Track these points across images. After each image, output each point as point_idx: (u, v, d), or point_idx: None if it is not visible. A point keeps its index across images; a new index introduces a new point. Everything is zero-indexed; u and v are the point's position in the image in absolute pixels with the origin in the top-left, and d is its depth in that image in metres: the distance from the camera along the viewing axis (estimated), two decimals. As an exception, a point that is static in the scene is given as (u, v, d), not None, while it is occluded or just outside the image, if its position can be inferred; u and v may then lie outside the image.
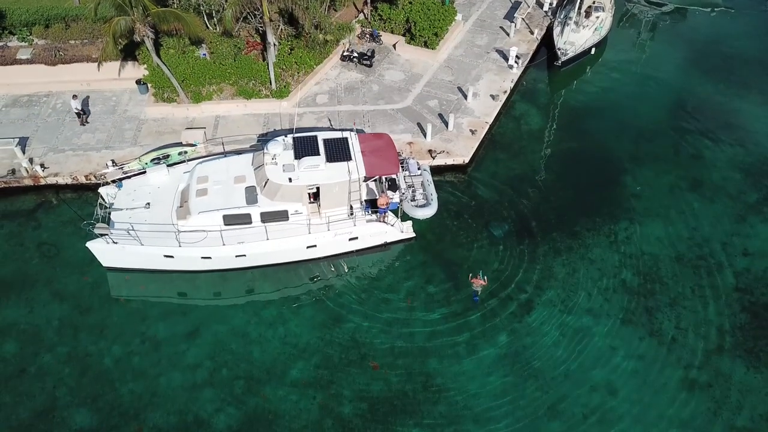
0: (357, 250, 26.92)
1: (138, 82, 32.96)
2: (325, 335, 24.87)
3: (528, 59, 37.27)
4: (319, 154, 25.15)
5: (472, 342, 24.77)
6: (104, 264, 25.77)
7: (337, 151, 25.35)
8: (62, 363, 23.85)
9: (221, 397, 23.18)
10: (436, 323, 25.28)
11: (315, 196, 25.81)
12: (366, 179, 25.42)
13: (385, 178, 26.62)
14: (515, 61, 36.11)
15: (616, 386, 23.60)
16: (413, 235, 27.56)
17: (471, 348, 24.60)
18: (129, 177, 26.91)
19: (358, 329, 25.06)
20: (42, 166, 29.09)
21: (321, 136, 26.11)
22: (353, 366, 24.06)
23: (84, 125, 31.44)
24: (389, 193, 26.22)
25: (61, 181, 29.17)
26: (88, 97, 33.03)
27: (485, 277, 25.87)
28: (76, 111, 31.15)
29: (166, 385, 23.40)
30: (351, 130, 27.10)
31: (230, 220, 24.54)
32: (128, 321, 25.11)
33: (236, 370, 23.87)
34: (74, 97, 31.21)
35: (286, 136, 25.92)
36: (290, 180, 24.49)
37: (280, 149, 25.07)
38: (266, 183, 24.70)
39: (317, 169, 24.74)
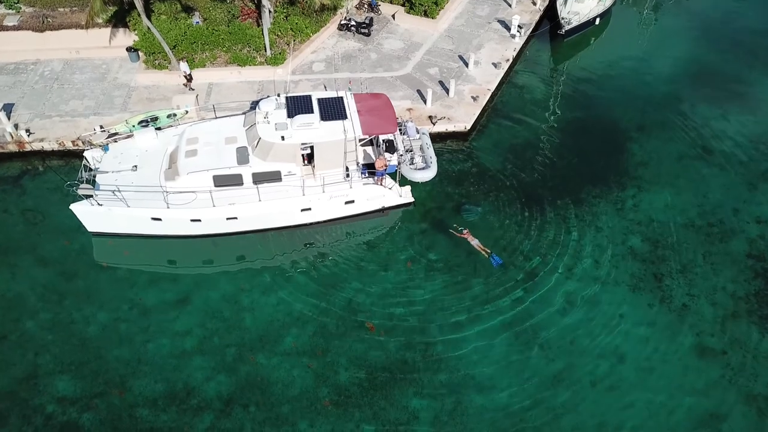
0: (354, 215, 25.85)
1: (129, 49, 31.92)
2: (320, 303, 23.81)
3: (531, 29, 36.21)
4: (312, 113, 24.09)
5: (474, 310, 23.70)
6: (89, 229, 24.72)
7: (332, 110, 24.30)
8: (45, 330, 22.80)
9: (212, 365, 22.14)
10: (437, 291, 24.22)
11: (309, 159, 24.78)
12: (362, 141, 24.37)
13: (383, 140, 25.57)
14: (517, 31, 35.07)
15: (625, 354, 22.56)
16: (412, 200, 26.49)
17: (473, 316, 23.53)
18: (116, 140, 25.85)
19: (355, 297, 24.01)
20: (27, 131, 28.06)
21: (315, 95, 25.07)
22: (350, 334, 23.00)
23: (192, 90, 30.60)
24: (387, 155, 25.14)
25: (47, 147, 28.13)
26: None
27: (461, 230, 25.25)
28: (185, 74, 30.36)
29: (154, 353, 22.37)
30: (348, 90, 26.00)
31: (221, 180, 23.50)
32: (116, 287, 24.07)
33: (227, 338, 22.83)
34: (182, 59, 30.56)
35: (279, 95, 24.88)
36: (283, 138, 23.43)
37: (273, 107, 24.03)
38: (258, 142, 23.65)
39: (311, 128, 23.68)
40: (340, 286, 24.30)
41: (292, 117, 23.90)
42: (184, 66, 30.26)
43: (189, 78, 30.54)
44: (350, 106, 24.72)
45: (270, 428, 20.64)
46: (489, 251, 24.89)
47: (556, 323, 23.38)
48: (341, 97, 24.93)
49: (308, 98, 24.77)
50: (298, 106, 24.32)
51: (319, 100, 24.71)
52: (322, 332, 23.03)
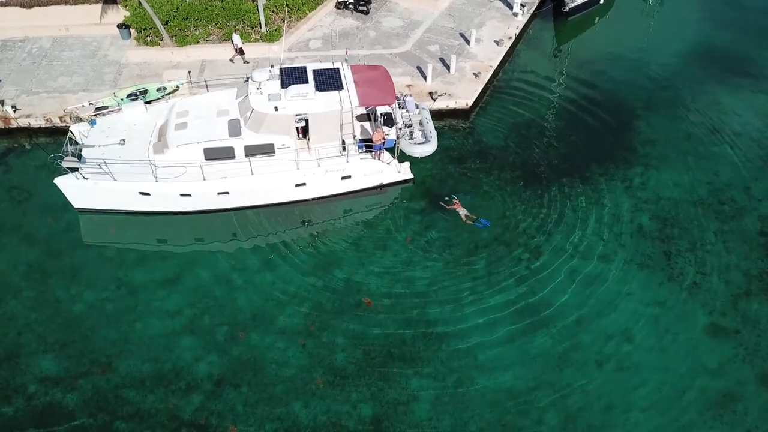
0: (350, 192, 24.88)
1: (120, 26, 31.00)
2: (316, 282, 22.86)
3: (533, 8, 35.23)
4: (307, 83, 23.12)
5: (475, 290, 22.73)
6: (75, 205, 23.78)
7: (328, 81, 23.30)
8: (29, 309, 21.86)
9: (202, 344, 21.19)
10: (437, 269, 23.27)
11: (304, 132, 23.83)
12: (359, 115, 23.38)
13: (381, 114, 24.59)
14: (520, 9, 34.11)
15: (633, 333, 21.58)
16: (411, 176, 25.51)
17: (475, 296, 22.56)
18: (103, 114, 24.89)
19: (352, 275, 23.06)
20: (14, 107, 27.13)
21: (311, 66, 24.09)
22: (347, 313, 22.05)
23: (232, 63, 30.20)
24: (385, 128, 24.17)
25: (33, 123, 27.19)
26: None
27: (452, 200, 24.63)
28: (237, 48, 29.75)
29: (142, 332, 21.41)
30: (345, 61, 25.00)
31: (211, 153, 22.53)
32: (103, 266, 23.13)
33: (219, 318, 21.88)
34: (236, 30, 30.11)
35: (272, 66, 23.93)
36: (276, 109, 22.46)
37: (266, 78, 23.05)
38: (251, 113, 22.68)
39: (306, 98, 22.69)
40: (336, 264, 23.35)
41: (286, 87, 22.93)
42: (237, 39, 29.51)
43: (240, 51, 29.85)
44: (347, 76, 23.72)
45: (262, 409, 19.70)
46: (475, 217, 24.05)
47: (561, 302, 22.40)
48: (337, 68, 23.94)
49: (303, 69, 23.80)
50: (292, 76, 23.35)
51: (315, 71, 23.71)
52: (318, 311, 22.08)
